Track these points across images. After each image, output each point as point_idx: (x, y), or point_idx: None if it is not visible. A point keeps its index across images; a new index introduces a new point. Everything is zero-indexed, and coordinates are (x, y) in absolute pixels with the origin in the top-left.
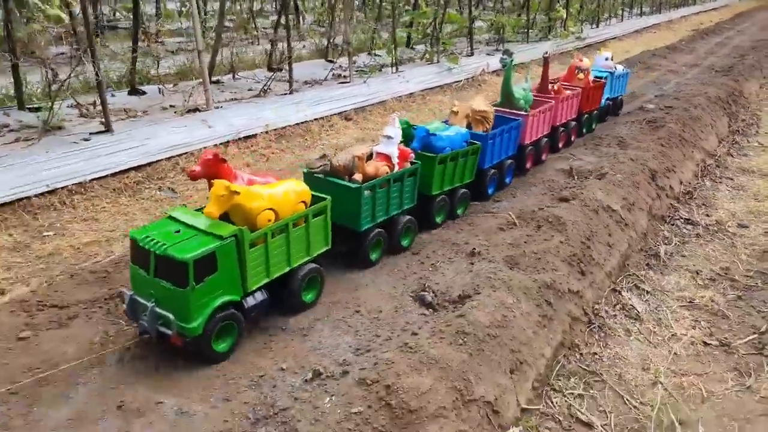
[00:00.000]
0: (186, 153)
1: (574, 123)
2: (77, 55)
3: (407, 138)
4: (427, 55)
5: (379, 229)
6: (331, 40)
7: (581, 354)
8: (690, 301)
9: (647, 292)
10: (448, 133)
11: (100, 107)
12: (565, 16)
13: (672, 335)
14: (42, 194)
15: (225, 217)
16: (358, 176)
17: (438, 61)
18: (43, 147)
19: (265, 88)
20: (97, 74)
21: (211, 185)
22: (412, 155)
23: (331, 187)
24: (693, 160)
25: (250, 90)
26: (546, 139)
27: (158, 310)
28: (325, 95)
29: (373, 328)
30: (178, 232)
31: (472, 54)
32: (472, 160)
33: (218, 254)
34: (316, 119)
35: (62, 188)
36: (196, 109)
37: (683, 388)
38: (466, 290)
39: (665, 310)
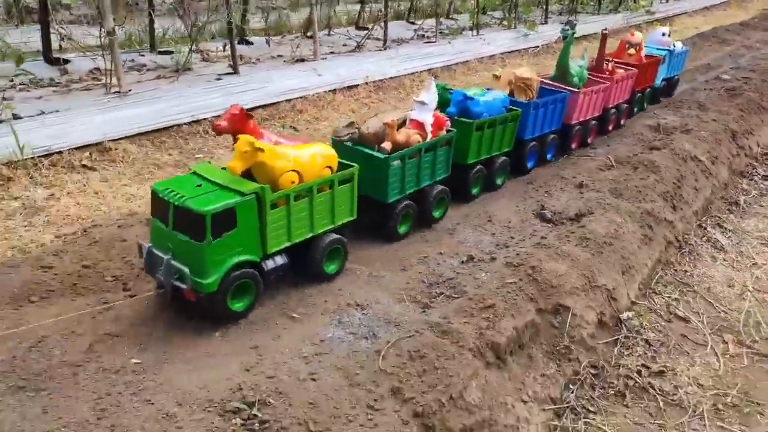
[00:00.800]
0: (302, 97)
1: (626, 106)
2: (212, 5)
3: (444, 103)
4: (505, 21)
5: (409, 202)
6: (415, 2)
7: (675, 270)
8: None
9: (729, 230)
10: (486, 98)
11: (221, 52)
12: None
13: (753, 264)
14: (189, 123)
15: (248, 176)
16: (387, 144)
17: (515, 27)
18: (184, 84)
19: (361, 43)
20: (229, 22)
21: (236, 141)
22: (448, 123)
23: (359, 157)
24: None
25: (344, 45)
26: (594, 122)
27: (174, 263)
28: (413, 53)
29: (506, 232)
30: (200, 186)
31: (546, 22)
32: (511, 127)
33: (238, 210)
34: (407, 74)
35: (204, 119)
36: (302, 59)
37: (766, 301)
38: (581, 210)
39: (746, 245)
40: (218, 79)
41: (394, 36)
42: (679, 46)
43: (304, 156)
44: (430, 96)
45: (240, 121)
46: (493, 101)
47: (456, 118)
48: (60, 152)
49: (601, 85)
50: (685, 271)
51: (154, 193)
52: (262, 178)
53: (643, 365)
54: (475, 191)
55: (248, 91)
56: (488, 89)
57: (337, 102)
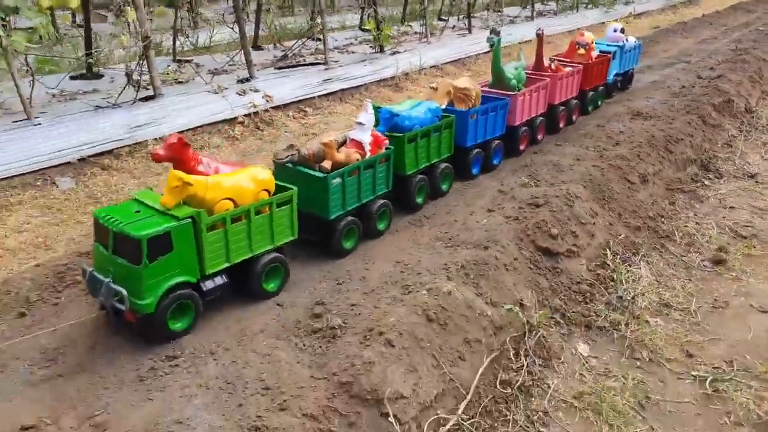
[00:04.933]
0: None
1: (576, 101)
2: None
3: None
4: (591, 4)
5: (352, 217)
6: None
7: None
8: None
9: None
10: (416, 112)
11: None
12: None
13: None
14: (456, 61)
15: None
16: (327, 164)
17: (597, 7)
18: (433, 44)
19: (514, 19)
20: (441, 10)
21: (174, 168)
22: (386, 141)
23: (300, 177)
24: None
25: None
26: (542, 119)
27: (113, 285)
28: (542, 23)
29: (687, 82)
30: (138, 212)
31: (615, 2)
32: (447, 134)
33: (173, 234)
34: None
35: (459, 59)
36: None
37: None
38: (718, 74)
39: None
40: (426, 42)
41: (515, 13)
42: (631, 40)
43: (238, 182)
44: (368, 116)
45: (178, 150)
46: (423, 113)
47: (387, 134)
48: (419, 71)
49: (540, 83)
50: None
51: (95, 220)
52: (197, 207)
53: (765, 125)
54: (419, 200)
55: (439, 49)
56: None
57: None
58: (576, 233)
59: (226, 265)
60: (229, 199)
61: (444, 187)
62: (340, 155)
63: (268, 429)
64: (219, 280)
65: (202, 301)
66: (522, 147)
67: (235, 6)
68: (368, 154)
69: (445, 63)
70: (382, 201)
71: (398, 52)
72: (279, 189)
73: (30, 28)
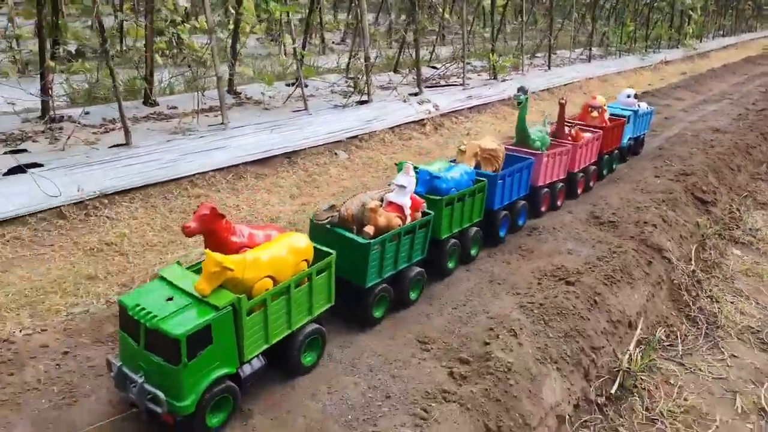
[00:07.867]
0: (588, 78)
1: (594, 167)
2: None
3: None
4: (629, 52)
5: (385, 285)
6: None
7: None
8: None
9: None
10: (453, 174)
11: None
12: (688, 32)
13: None
14: (546, 90)
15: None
16: (369, 229)
17: (634, 54)
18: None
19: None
20: (521, 47)
21: (207, 241)
22: (424, 205)
23: (338, 240)
24: None
25: (574, 59)
26: (561, 184)
27: (147, 386)
28: (610, 64)
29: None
30: (171, 299)
31: (648, 51)
32: (479, 198)
33: (214, 326)
34: (614, 73)
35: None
36: (559, 66)
37: None
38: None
39: None
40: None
41: (571, 55)
42: (643, 106)
43: (277, 255)
44: (409, 179)
45: (211, 222)
46: (460, 176)
47: (425, 195)
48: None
49: (563, 147)
50: None
51: (122, 308)
52: (234, 290)
53: None
54: (451, 265)
55: (552, 78)
56: (453, 161)
57: (592, 86)
58: (714, 192)
59: (265, 347)
60: (269, 276)
61: (473, 252)
62: (382, 219)
63: (616, 253)
64: (257, 363)
65: (240, 389)
66: (543, 208)
67: (416, 40)
68: (408, 219)
69: (541, 90)
70: (417, 269)
71: (506, 80)
72: (316, 253)
73: None
